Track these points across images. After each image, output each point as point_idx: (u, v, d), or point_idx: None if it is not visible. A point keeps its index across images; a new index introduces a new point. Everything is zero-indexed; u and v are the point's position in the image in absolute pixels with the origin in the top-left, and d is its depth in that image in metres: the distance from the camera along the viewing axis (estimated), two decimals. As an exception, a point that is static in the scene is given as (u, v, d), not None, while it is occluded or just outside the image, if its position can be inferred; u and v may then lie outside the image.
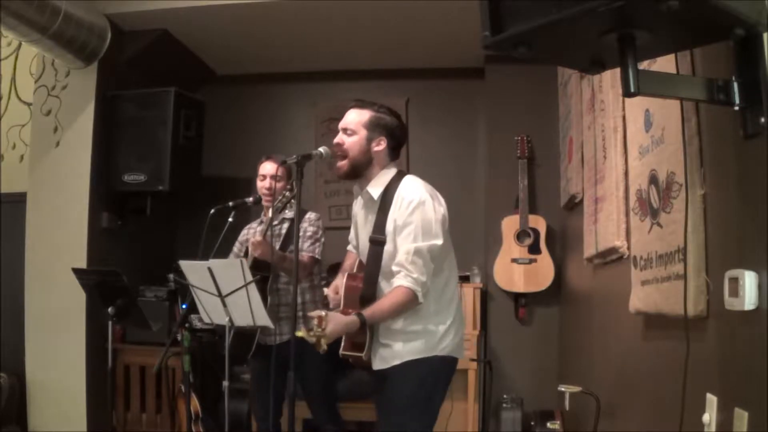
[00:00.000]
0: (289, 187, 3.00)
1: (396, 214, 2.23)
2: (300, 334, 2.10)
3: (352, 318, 2.13)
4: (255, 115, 4.87)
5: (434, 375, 2.28)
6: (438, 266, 2.27)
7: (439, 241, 2.21)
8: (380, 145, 2.31)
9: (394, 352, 2.27)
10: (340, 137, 2.32)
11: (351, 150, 2.29)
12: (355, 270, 2.44)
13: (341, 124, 2.35)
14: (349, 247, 2.59)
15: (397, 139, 2.36)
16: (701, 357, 1.49)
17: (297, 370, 2.91)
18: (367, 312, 2.16)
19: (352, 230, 2.55)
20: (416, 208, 2.19)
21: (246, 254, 3.00)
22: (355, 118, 2.33)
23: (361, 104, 2.36)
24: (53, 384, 3.82)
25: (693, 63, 1.58)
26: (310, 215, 3.15)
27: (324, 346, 2.06)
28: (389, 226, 2.25)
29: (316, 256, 3.07)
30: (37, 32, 3.37)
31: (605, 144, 2.54)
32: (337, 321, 2.10)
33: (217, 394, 3.15)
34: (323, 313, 2.06)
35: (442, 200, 2.30)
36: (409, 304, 2.18)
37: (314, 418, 3.31)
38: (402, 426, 2.23)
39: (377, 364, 2.31)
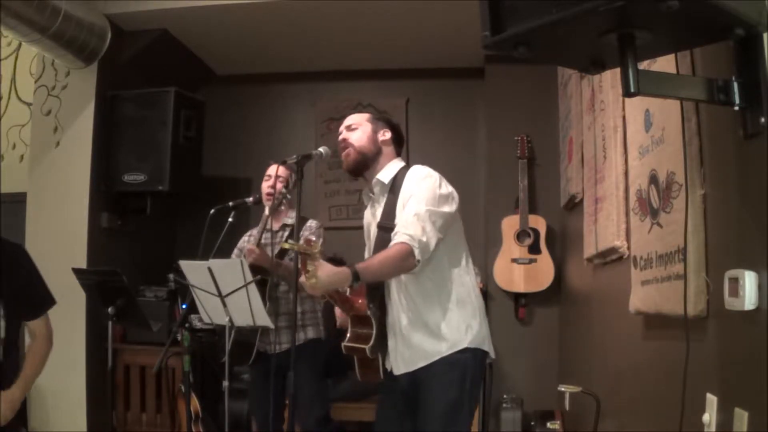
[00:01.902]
0: (282, 187, 3.00)
1: (405, 192, 2.20)
2: (287, 245, 1.89)
3: (344, 269, 1.95)
4: (255, 115, 4.87)
5: (470, 373, 2.17)
6: (455, 246, 2.22)
7: (446, 209, 2.13)
8: (386, 135, 2.33)
9: (421, 351, 2.16)
10: (344, 134, 2.32)
11: (359, 141, 2.29)
12: None
13: (343, 125, 2.35)
14: None
15: (398, 133, 2.38)
16: (701, 357, 1.49)
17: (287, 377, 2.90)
18: (360, 265, 2.00)
19: (366, 250, 2.44)
20: (424, 179, 2.18)
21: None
22: (356, 117, 2.37)
23: (358, 110, 2.42)
24: (53, 384, 3.82)
25: (693, 63, 1.58)
26: (311, 223, 3.13)
27: (314, 282, 1.86)
28: (399, 208, 2.19)
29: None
30: (37, 32, 3.37)
31: (605, 144, 2.54)
32: (326, 268, 1.92)
33: (217, 394, 3.15)
34: (313, 238, 1.92)
35: (454, 190, 2.25)
36: (405, 261, 2.02)
37: (301, 425, 3.24)
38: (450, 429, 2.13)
39: (399, 368, 2.21)
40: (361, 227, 2.47)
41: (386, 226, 2.19)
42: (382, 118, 2.39)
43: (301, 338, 3.06)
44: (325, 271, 1.90)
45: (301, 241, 1.90)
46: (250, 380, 3.31)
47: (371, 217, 2.37)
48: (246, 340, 2.97)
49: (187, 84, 4.23)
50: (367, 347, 2.18)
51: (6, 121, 4.47)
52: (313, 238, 2.99)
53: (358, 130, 2.31)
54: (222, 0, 3.69)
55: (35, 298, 2.39)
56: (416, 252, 2.02)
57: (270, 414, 2.95)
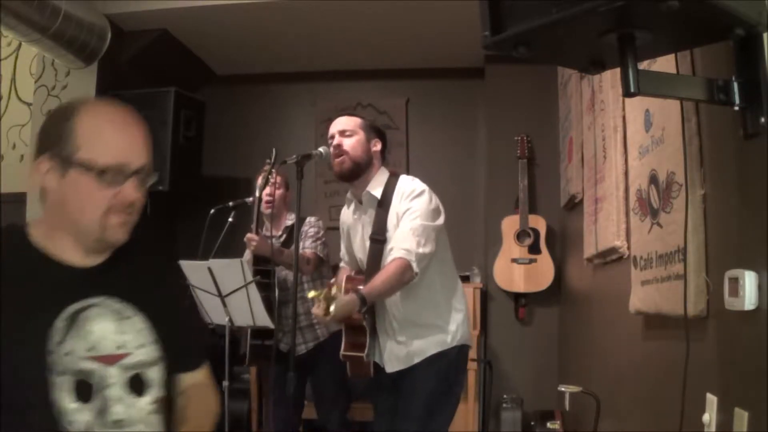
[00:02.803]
0: (268, 160, 2.96)
1: (398, 207, 2.27)
2: (312, 294, 2.04)
3: (352, 296, 2.09)
4: (255, 115, 4.87)
5: (454, 366, 2.32)
6: (442, 255, 2.31)
7: (438, 223, 2.25)
8: (377, 146, 2.39)
9: (414, 350, 2.28)
10: (338, 139, 2.34)
11: (353, 149, 2.33)
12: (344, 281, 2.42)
13: (337, 129, 2.38)
14: (342, 264, 2.59)
15: (386, 143, 2.46)
16: (701, 357, 1.49)
17: (311, 373, 2.94)
18: (365, 289, 2.13)
19: (342, 246, 2.55)
20: (417, 196, 2.26)
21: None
22: (350, 121, 2.40)
23: (349, 113, 2.48)
24: (53, 384, 3.81)
25: (693, 63, 1.58)
26: (310, 219, 3.16)
27: (328, 318, 2.00)
28: (391, 222, 2.27)
29: (318, 254, 3.07)
30: (37, 32, 3.37)
31: (605, 144, 2.54)
32: (340, 300, 2.05)
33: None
34: (333, 281, 2.08)
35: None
36: (405, 275, 2.14)
37: (321, 422, 3.29)
38: (428, 421, 2.24)
39: (393, 366, 2.31)
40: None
41: (378, 239, 2.28)
42: (373, 127, 2.43)
43: (324, 333, 3.07)
44: (338, 305, 2.02)
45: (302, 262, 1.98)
46: (270, 381, 3.28)
47: (353, 221, 2.45)
48: (265, 341, 2.96)
49: (187, 84, 4.23)
50: (363, 354, 2.28)
51: (6, 121, 4.47)
52: (314, 230, 3.00)
53: (352, 137, 2.35)
54: (222, 0, 3.69)
55: (196, 342, 1.46)
56: (414, 265, 2.13)
57: (291, 414, 2.98)
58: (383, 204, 2.31)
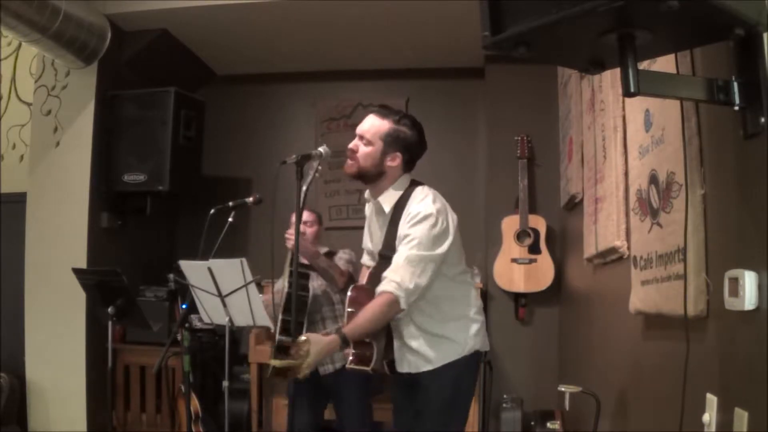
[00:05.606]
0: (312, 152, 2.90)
1: (402, 227, 2.21)
2: (275, 363, 2.09)
3: (332, 338, 2.07)
4: (255, 115, 4.87)
5: (467, 374, 2.30)
6: (453, 264, 2.27)
7: (439, 251, 2.16)
8: (395, 161, 2.25)
9: (425, 358, 2.24)
10: (355, 143, 2.27)
11: (364, 160, 2.24)
12: (365, 281, 2.39)
13: (359, 130, 2.28)
14: (364, 259, 2.54)
15: (413, 154, 2.29)
16: (701, 357, 1.49)
17: (336, 398, 2.91)
18: (347, 328, 2.10)
19: (365, 238, 2.50)
20: (420, 221, 2.15)
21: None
22: (374, 127, 2.25)
23: (382, 113, 2.27)
24: (53, 384, 3.82)
25: (693, 63, 1.58)
26: (342, 250, 3.25)
27: (306, 372, 2.02)
28: (398, 240, 2.22)
29: (351, 271, 3.12)
30: (37, 32, 3.37)
31: (605, 144, 2.54)
32: (319, 345, 2.04)
33: (217, 394, 3.15)
34: (303, 338, 2.04)
35: (451, 213, 2.25)
36: (390, 310, 2.12)
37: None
38: (443, 429, 2.24)
39: (402, 368, 2.29)
40: (361, 227, 2.51)
41: (387, 255, 2.23)
42: (399, 137, 2.24)
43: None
44: (316, 350, 2.02)
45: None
46: (289, 399, 3.14)
47: (375, 217, 2.40)
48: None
49: (187, 84, 4.23)
50: (369, 368, 2.24)
51: (6, 121, 4.47)
52: (347, 257, 3.10)
53: (368, 147, 2.24)
54: (222, 0, 3.69)
55: None
56: (402, 301, 2.11)
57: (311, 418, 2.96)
58: (394, 220, 2.25)
